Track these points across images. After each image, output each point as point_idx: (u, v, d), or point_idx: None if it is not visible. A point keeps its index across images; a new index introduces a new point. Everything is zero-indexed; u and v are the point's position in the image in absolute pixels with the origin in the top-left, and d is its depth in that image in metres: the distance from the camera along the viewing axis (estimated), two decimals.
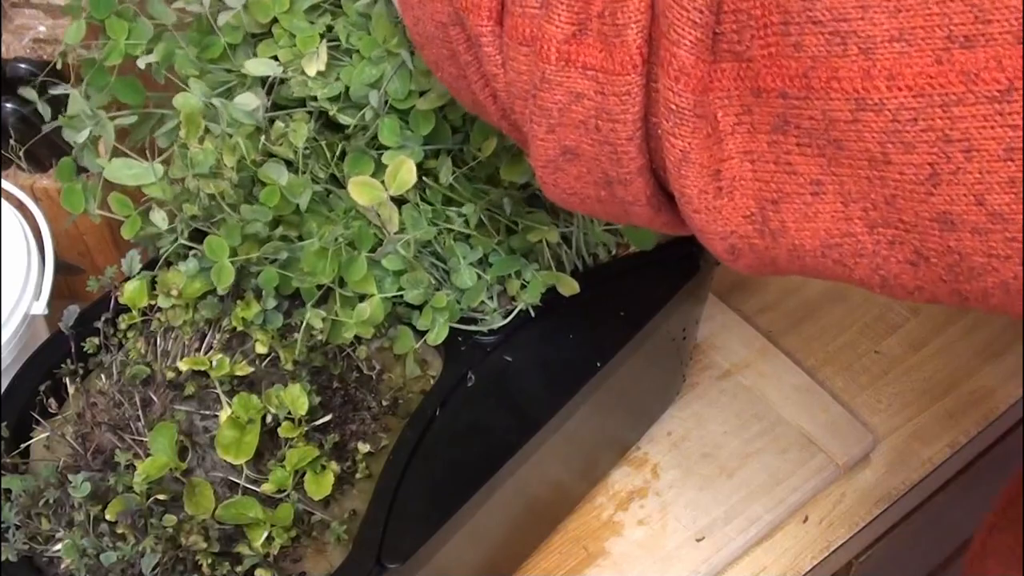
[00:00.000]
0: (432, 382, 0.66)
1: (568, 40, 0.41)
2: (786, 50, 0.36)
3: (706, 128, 0.39)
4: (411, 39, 0.52)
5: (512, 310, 0.67)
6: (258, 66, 0.61)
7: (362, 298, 0.63)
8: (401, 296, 0.64)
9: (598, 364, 0.66)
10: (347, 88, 0.62)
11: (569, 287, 0.67)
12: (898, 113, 0.34)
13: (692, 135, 0.39)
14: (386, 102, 0.62)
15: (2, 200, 0.78)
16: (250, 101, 0.61)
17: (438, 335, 0.65)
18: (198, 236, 0.64)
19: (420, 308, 0.66)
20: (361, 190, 0.58)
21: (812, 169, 0.38)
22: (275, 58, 0.62)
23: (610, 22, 0.40)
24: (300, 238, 0.64)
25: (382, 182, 0.59)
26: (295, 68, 0.62)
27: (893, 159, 0.35)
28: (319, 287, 0.63)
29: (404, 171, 0.59)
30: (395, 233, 0.61)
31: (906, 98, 0.34)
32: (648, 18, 0.39)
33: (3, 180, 0.80)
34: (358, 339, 0.65)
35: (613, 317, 0.68)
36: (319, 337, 0.63)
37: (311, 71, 0.61)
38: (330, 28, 0.62)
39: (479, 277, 0.65)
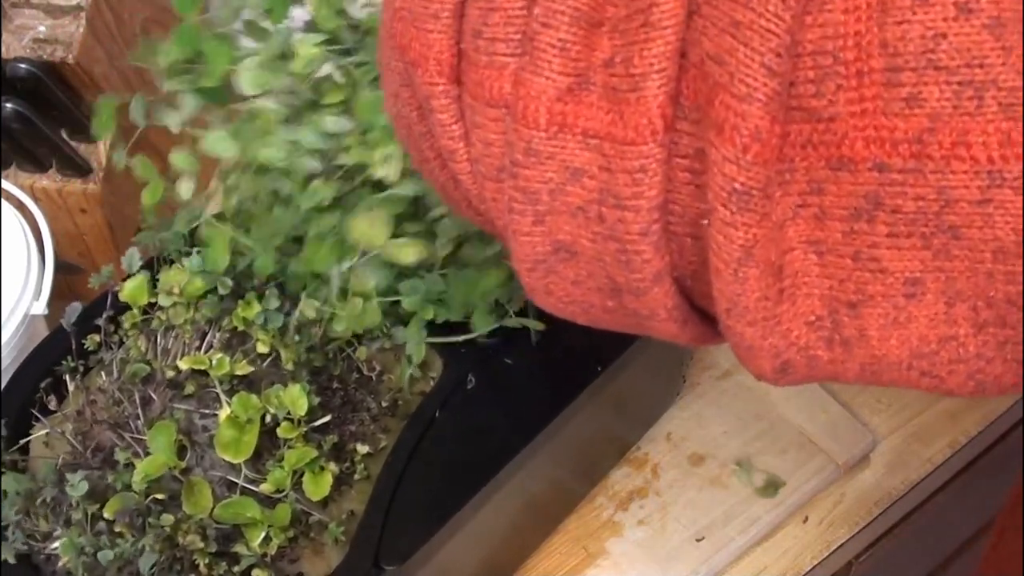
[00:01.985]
0: (432, 383, 0.66)
1: (563, 97, 0.31)
2: (893, 105, 0.27)
3: (772, 213, 0.30)
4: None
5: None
6: (333, 123, 0.62)
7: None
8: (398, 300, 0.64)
9: (599, 368, 0.66)
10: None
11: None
12: None
13: (759, 224, 0.29)
14: None
15: (2, 200, 0.78)
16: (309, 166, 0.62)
17: (416, 354, 0.65)
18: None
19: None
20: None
21: (909, 265, 0.29)
22: None
23: (622, 71, 0.30)
24: None
25: None
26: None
27: None
28: (315, 276, 0.63)
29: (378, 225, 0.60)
30: None
31: None
32: (675, 67, 0.30)
33: (3, 180, 0.80)
34: (358, 339, 0.65)
35: None
36: (315, 337, 0.63)
37: (379, 172, 0.61)
38: None
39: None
